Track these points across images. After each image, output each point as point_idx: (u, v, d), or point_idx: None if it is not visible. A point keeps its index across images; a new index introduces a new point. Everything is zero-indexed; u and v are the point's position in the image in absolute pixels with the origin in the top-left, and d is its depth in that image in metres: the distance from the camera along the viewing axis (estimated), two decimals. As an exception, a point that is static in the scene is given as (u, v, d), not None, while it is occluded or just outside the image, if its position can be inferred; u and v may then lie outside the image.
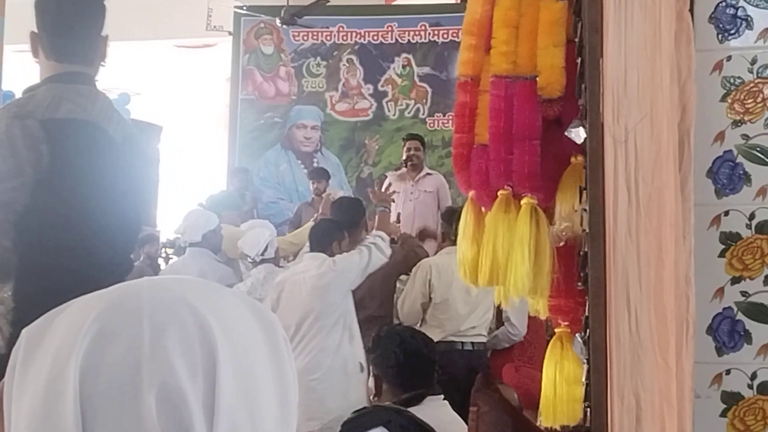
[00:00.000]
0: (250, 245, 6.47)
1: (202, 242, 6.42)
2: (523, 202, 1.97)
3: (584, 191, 1.82)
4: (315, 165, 11.14)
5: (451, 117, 11.26)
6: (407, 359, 3.62)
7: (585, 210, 1.79)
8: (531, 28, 1.94)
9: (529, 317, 5.30)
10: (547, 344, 2.10)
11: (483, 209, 2.07)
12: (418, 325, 5.72)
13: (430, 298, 5.81)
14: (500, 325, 6.03)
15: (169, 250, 9.30)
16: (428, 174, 8.77)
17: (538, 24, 1.93)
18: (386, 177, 9.19)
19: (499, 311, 5.95)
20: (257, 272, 6.26)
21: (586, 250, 1.75)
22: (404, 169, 8.69)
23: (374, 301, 5.95)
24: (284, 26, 10.90)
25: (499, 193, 2.00)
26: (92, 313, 0.90)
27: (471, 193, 2.09)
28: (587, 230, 1.74)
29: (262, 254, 6.39)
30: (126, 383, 0.86)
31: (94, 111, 3.00)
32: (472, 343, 5.84)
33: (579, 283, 1.84)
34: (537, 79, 1.92)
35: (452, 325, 5.77)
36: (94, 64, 3.16)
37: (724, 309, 1.80)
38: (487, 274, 1.98)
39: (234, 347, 0.90)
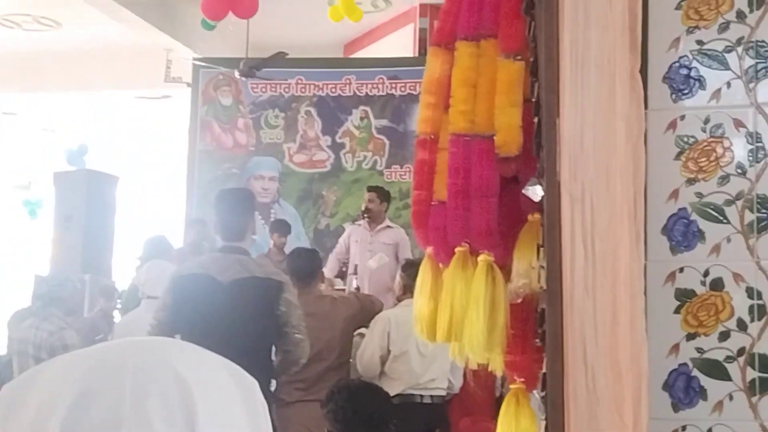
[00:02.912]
0: None
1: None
2: (480, 259, 1.98)
3: (541, 248, 1.84)
4: (273, 216, 11.13)
5: (408, 169, 11.33)
6: (356, 415, 3.60)
7: (542, 267, 1.80)
8: (489, 88, 1.97)
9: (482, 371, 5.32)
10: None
11: (441, 265, 2.08)
12: (378, 378, 5.70)
13: (389, 351, 5.79)
14: None
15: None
16: (388, 227, 8.79)
17: (496, 83, 1.96)
18: (344, 229, 9.22)
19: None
20: None
21: (543, 306, 1.76)
22: (363, 220, 8.72)
23: (332, 353, 5.93)
24: (243, 78, 10.94)
25: (456, 249, 2.01)
26: (75, 373, 0.91)
27: (429, 250, 2.10)
28: (544, 287, 1.76)
29: None
30: None
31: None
32: (431, 396, 5.83)
33: (536, 340, 1.85)
34: (494, 137, 1.95)
35: (411, 378, 5.76)
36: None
37: (680, 365, 1.81)
38: (444, 331, 1.98)
39: (213, 409, 0.91)
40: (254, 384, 0.97)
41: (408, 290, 5.87)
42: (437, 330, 2.01)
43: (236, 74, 10.86)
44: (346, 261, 8.77)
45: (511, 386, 1.97)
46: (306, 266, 6.13)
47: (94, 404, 0.88)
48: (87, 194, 11.01)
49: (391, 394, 5.53)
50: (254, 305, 4.79)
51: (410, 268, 5.85)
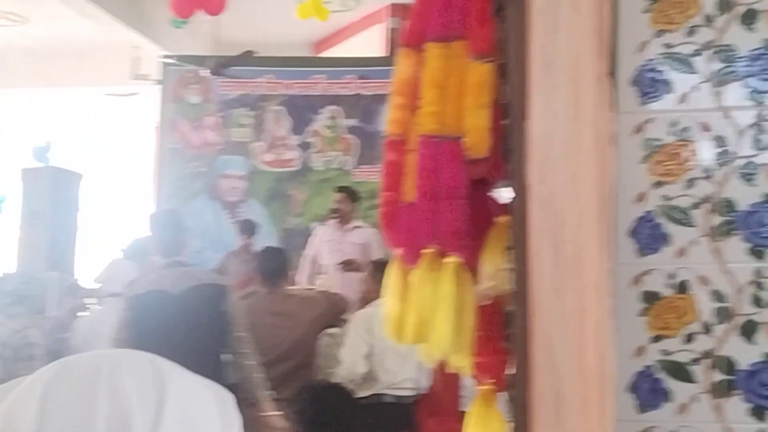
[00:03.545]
0: None
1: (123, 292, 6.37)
2: (448, 260, 1.98)
3: (509, 251, 1.84)
4: (240, 215, 11.09)
5: (377, 169, 11.33)
6: (321, 415, 3.60)
7: (510, 269, 1.81)
8: (458, 90, 1.97)
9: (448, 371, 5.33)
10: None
11: (409, 267, 2.08)
12: (361, 378, 5.69)
13: (373, 348, 5.80)
14: None
15: (90, 300, 9.16)
16: (358, 227, 8.80)
17: (466, 85, 1.96)
18: (312, 228, 9.21)
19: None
20: None
21: (511, 309, 1.77)
22: (332, 220, 8.72)
23: (299, 353, 5.92)
24: (212, 76, 10.89)
25: (424, 251, 2.01)
26: (58, 362, 0.98)
27: (397, 251, 2.10)
28: (512, 289, 1.76)
29: None
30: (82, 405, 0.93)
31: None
32: (398, 396, 5.84)
33: (503, 342, 1.86)
34: (464, 139, 1.95)
35: (388, 377, 5.75)
36: None
37: (645, 367, 1.82)
38: (412, 332, 1.98)
39: (185, 398, 0.97)
40: (231, 398, 1.01)
41: (373, 291, 5.87)
42: (405, 331, 2.01)
43: (205, 72, 10.82)
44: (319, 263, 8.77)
45: (479, 388, 1.98)
46: (275, 265, 6.13)
47: (72, 375, 0.94)
48: (53, 191, 10.93)
49: (367, 394, 5.55)
50: (206, 309, 5.17)
51: (377, 269, 5.86)
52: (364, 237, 8.70)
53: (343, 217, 8.68)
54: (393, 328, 2.05)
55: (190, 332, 4.99)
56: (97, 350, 1.04)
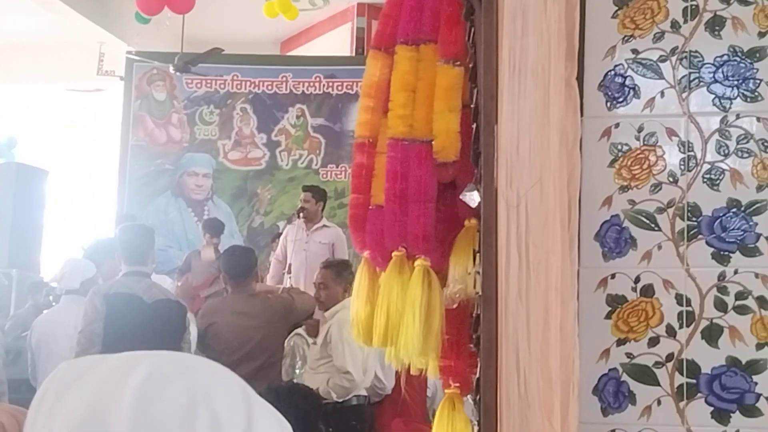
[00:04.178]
0: None
1: (80, 290, 6.32)
2: (416, 264, 1.99)
3: (477, 254, 1.85)
4: (206, 213, 11.06)
5: (344, 168, 11.33)
6: (284, 417, 3.61)
7: (478, 273, 1.81)
8: (428, 93, 1.97)
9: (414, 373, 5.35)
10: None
11: (377, 269, 2.09)
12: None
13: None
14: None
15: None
16: (325, 226, 8.79)
17: (435, 89, 1.97)
18: (278, 227, 9.18)
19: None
20: None
21: (478, 312, 1.77)
22: (298, 220, 8.70)
23: (264, 353, 5.91)
24: (177, 73, 10.84)
25: (393, 254, 2.02)
26: (143, 361, 0.99)
27: (366, 254, 2.10)
28: (480, 293, 1.77)
29: None
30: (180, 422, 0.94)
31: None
32: (358, 396, 5.85)
33: (471, 345, 1.86)
34: (433, 142, 1.95)
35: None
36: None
37: (610, 370, 1.83)
38: (380, 335, 1.98)
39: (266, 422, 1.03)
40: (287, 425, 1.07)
41: (322, 288, 5.89)
42: (373, 334, 2.01)
43: (171, 69, 10.77)
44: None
45: (446, 391, 1.98)
46: (241, 264, 6.12)
47: (167, 387, 0.95)
48: (15, 188, 10.82)
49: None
50: (171, 324, 5.45)
51: (328, 268, 5.90)
52: (330, 236, 8.70)
53: (309, 217, 8.66)
54: (361, 330, 2.05)
55: (156, 340, 5.10)
56: (178, 357, 1.04)
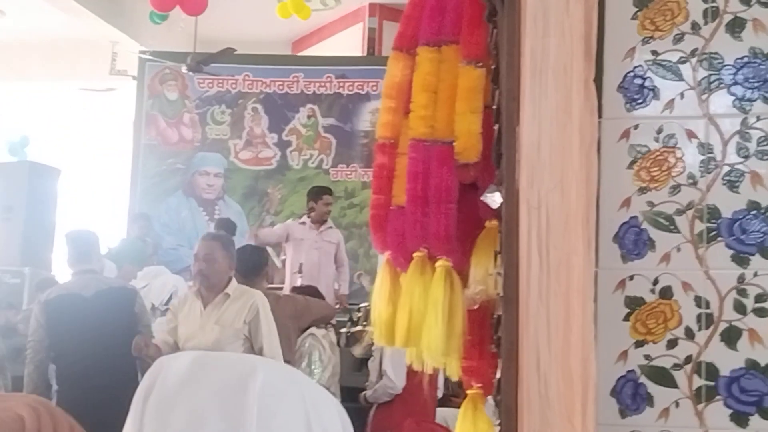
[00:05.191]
0: (155, 294, 6.54)
1: None
2: (438, 264, 1.99)
3: (499, 255, 1.85)
4: (217, 213, 11.07)
5: (354, 169, 11.33)
6: None
7: (499, 274, 1.81)
8: (449, 94, 1.98)
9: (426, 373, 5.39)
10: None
11: (398, 270, 2.09)
12: None
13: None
14: (381, 379, 6.10)
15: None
16: (330, 227, 8.84)
17: (457, 90, 1.97)
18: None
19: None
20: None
21: (499, 313, 1.77)
22: (307, 220, 8.72)
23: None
24: (189, 73, 10.85)
25: (415, 255, 2.02)
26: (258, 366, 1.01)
27: (387, 254, 2.10)
28: (501, 294, 1.77)
29: (166, 303, 6.45)
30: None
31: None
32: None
33: (492, 346, 1.86)
34: (454, 144, 1.96)
35: None
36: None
37: (628, 372, 1.83)
38: (402, 336, 1.99)
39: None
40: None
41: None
42: (395, 334, 2.01)
43: (183, 69, 10.78)
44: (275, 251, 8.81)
45: (468, 392, 1.99)
46: (251, 263, 6.14)
47: (283, 399, 0.99)
48: (28, 186, 10.85)
49: None
50: (116, 310, 5.60)
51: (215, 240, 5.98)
52: (336, 237, 8.78)
53: (326, 218, 8.75)
54: (383, 331, 2.06)
55: (101, 331, 5.41)
56: (280, 366, 1.10)
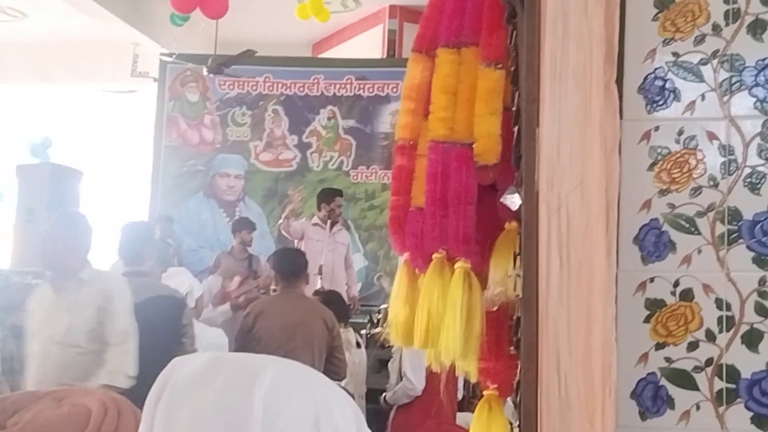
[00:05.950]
0: None
1: None
2: (456, 266, 1.99)
3: (518, 257, 1.85)
4: (238, 214, 11.09)
5: (374, 170, 11.33)
6: None
7: (518, 275, 1.81)
8: (469, 96, 1.98)
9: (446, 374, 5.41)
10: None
11: (417, 271, 2.09)
12: None
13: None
14: (400, 380, 6.11)
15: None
16: (341, 229, 8.90)
17: (476, 92, 1.97)
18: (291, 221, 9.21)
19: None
20: None
21: (518, 315, 1.77)
22: (319, 221, 8.77)
23: (308, 353, 5.97)
24: (210, 75, 10.89)
25: (433, 256, 2.02)
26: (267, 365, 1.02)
27: (405, 255, 2.11)
28: (520, 295, 1.77)
29: None
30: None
31: None
32: None
33: (510, 348, 1.86)
34: (474, 145, 1.96)
35: None
36: None
37: (648, 374, 1.82)
38: (421, 337, 1.99)
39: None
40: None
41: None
42: (414, 336, 2.01)
43: (204, 71, 10.82)
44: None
45: (484, 393, 1.98)
46: (293, 266, 6.20)
47: (291, 398, 0.99)
48: (50, 188, 10.90)
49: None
50: (164, 320, 5.46)
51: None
52: (346, 238, 8.84)
53: (336, 220, 8.79)
54: (400, 332, 2.06)
55: (148, 342, 5.06)
56: (294, 366, 1.07)
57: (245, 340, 6.00)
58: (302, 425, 0.95)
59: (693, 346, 1.81)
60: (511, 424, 1.93)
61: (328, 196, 8.98)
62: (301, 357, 5.85)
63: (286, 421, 0.95)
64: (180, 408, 0.97)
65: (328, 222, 8.75)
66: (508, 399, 1.95)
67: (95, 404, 1.35)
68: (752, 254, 1.81)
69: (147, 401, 1.01)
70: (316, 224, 8.88)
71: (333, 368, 5.96)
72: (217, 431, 0.95)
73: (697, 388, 1.81)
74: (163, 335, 5.36)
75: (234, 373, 0.99)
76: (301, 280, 6.27)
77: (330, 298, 6.78)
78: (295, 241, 8.97)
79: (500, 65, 1.96)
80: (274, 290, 6.60)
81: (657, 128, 1.86)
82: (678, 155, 1.85)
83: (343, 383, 5.98)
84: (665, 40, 1.88)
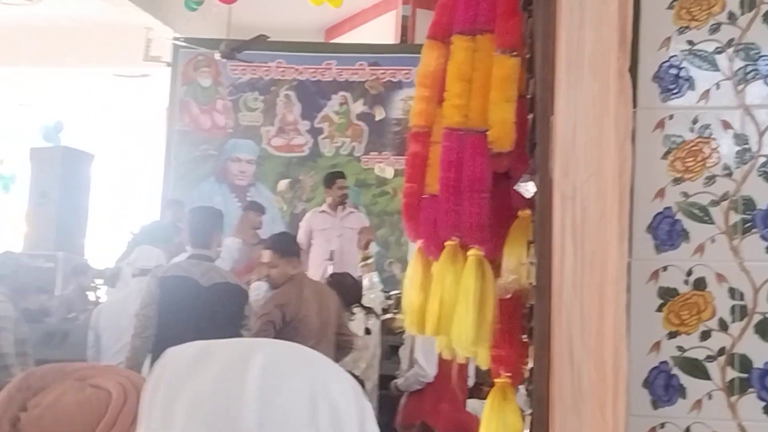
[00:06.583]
0: None
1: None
2: (470, 253, 1.99)
3: (532, 245, 1.85)
4: (249, 199, 11.09)
5: (386, 156, 11.33)
6: None
7: (532, 263, 1.81)
8: (484, 83, 1.97)
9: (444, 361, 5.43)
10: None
11: (430, 259, 2.09)
12: None
13: None
14: (412, 367, 6.11)
15: (99, 281, 9.18)
16: (351, 212, 8.82)
17: (491, 79, 1.97)
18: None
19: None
20: None
21: (532, 303, 1.77)
22: (326, 207, 8.73)
23: (323, 340, 5.98)
24: (223, 59, 10.88)
25: (447, 243, 2.02)
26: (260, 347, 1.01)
27: (419, 243, 2.11)
28: (534, 283, 1.77)
29: None
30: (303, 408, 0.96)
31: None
32: None
33: (523, 336, 1.86)
34: (488, 133, 1.96)
35: None
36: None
37: (661, 363, 1.82)
38: (433, 324, 1.99)
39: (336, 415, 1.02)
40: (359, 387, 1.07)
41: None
42: (426, 323, 2.02)
43: (216, 55, 10.82)
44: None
45: (496, 381, 1.99)
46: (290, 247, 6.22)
47: (287, 379, 0.97)
48: (62, 171, 10.95)
49: None
50: (228, 308, 5.50)
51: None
52: (359, 222, 8.75)
53: (340, 202, 8.72)
54: (414, 319, 2.06)
55: (212, 323, 5.21)
56: (291, 347, 1.06)
57: (283, 330, 5.96)
58: (299, 405, 0.95)
59: (705, 335, 1.81)
60: (523, 411, 1.93)
61: (329, 180, 8.96)
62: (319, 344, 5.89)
63: (282, 401, 0.95)
64: (176, 396, 0.97)
65: (338, 207, 8.73)
66: (521, 387, 1.95)
67: (116, 389, 1.36)
68: (766, 244, 1.81)
69: (144, 392, 1.02)
70: (322, 212, 8.86)
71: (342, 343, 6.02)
72: (214, 415, 0.95)
73: (709, 378, 1.81)
74: (226, 321, 5.41)
75: (227, 356, 0.99)
76: (296, 259, 6.27)
77: (341, 280, 6.78)
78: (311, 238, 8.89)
79: (515, 53, 1.96)
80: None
81: (671, 117, 1.86)
82: (692, 144, 1.85)
83: (357, 371, 6.00)
84: (680, 28, 1.87)
